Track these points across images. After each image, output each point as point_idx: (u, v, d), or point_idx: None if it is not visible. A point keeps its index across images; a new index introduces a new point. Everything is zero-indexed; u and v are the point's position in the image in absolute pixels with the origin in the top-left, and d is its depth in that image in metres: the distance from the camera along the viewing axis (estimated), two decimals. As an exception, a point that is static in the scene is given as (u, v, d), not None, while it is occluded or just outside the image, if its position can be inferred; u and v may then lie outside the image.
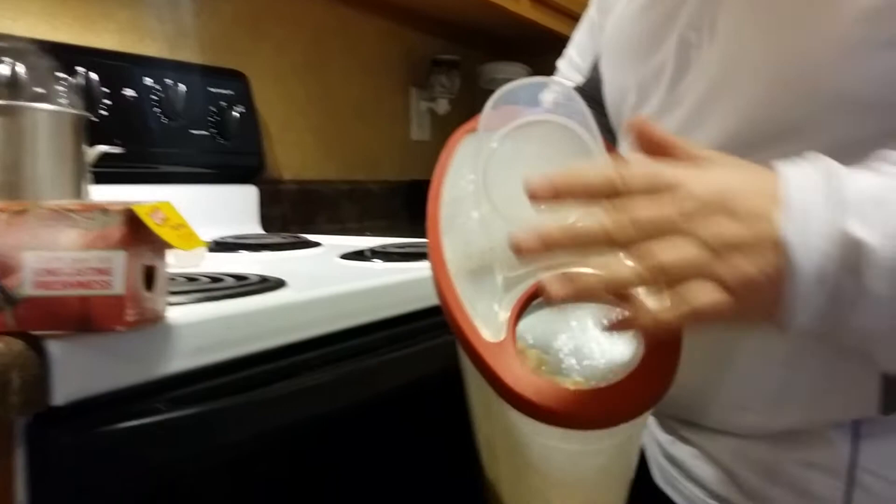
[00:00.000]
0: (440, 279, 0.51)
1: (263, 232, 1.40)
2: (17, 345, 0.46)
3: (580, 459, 0.51)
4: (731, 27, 0.59)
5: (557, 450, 0.50)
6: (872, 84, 0.51)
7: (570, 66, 0.89)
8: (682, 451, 0.68)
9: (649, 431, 0.74)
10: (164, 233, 0.49)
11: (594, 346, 0.49)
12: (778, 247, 0.41)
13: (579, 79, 0.85)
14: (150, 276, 0.51)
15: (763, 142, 0.55)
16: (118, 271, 0.47)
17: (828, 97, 0.53)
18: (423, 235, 1.22)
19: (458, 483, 0.89)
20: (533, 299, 0.49)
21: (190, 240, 0.52)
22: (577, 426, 0.45)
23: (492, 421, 0.55)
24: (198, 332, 0.57)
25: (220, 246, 1.12)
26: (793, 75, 0.54)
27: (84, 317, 0.47)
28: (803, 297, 0.41)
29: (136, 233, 0.48)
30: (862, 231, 0.40)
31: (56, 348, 0.47)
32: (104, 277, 0.47)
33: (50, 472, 0.47)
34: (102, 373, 0.49)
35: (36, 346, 0.46)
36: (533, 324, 0.50)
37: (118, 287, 0.47)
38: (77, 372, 0.48)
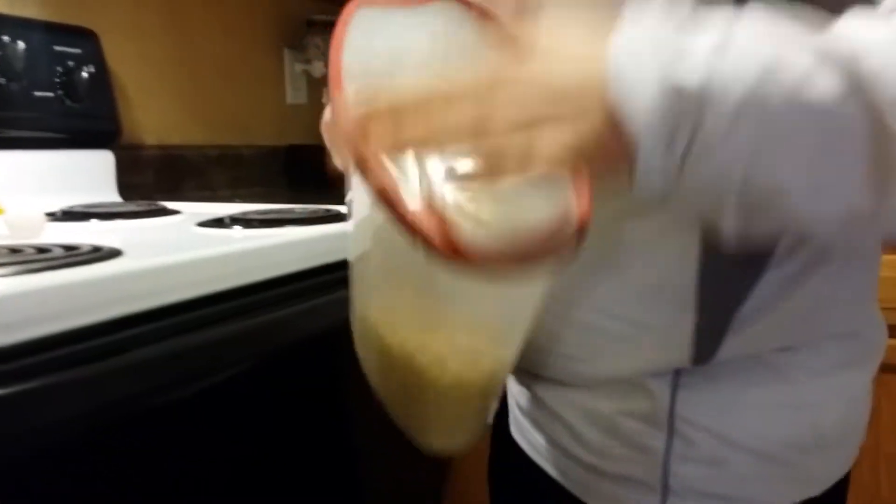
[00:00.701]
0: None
1: (121, 200, 1.32)
2: None
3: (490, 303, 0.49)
4: None
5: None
6: None
7: None
8: (530, 404, 0.69)
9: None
10: None
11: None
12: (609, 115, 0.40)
13: None
14: None
15: None
16: None
17: None
18: (302, 201, 1.17)
19: (318, 461, 0.87)
20: None
21: None
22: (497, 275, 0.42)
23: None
24: (11, 307, 0.52)
25: (68, 215, 1.04)
26: None
27: None
28: (643, 161, 0.41)
29: None
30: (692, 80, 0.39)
31: None
32: None
33: None
34: None
35: None
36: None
37: None
38: None
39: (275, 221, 0.95)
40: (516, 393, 0.71)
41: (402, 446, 0.56)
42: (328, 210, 1.02)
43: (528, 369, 0.66)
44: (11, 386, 0.50)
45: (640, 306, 0.58)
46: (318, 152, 0.71)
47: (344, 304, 0.55)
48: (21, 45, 1.17)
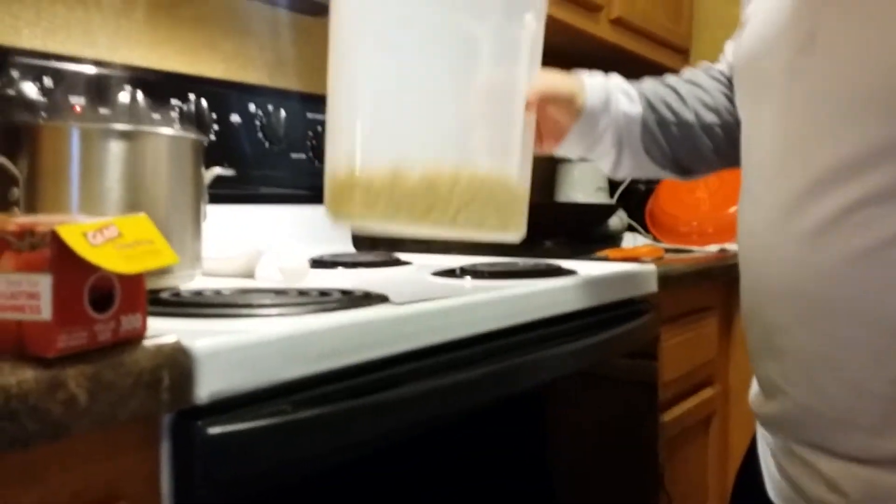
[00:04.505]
0: None
1: (355, 251, 1.46)
2: (167, 346, 0.51)
3: None
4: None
5: None
6: None
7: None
8: (803, 476, 0.70)
9: (765, 447, 0.76)
10: (96, 254, 0.47)
11: None
12: None
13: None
14: (105, 296, 0.49)
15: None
16: (45, 296, 0.45)
17: None
18: (507, 254, 1.26)
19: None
20: None
21: (148, 258, 0.50)
22: None
23: None
24: (318, 340, 0.62)
25: (317, 263, 1.18)
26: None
27: (20, 341, 0.46)
28: None
29: (69, 254, 0.46)
30: None
31: (201, 351, 0.52)
32: (34, 302, 0.46)
33: (193, 463, 0.52)
34: (237, 374, 0.55)
35: (183, 347, 0.52)
36: None
37: (46, 313, 0.45)
38: (217, 373, 0.53)
39: (500, 273, 1.03)
40: (782, 462, 0.73)
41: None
42: (549, 265, 1.09)
43: (817, 442, 0.68)
44: (321, 408, 0.60)
45: None
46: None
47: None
48: (282, 112, 1.34)
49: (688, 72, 0.98)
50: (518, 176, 0.86)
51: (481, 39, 0.84)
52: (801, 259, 0.67)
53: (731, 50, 0.94)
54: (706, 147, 0.92)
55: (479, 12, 0.85)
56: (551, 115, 0.89)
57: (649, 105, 0.92)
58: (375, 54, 0.79)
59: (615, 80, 0.94)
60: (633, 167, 0.95)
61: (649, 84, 0.95)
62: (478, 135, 0.84)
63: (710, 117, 0.92)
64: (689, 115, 0.92)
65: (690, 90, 0.94)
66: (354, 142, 0.77)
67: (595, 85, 0.91)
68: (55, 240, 0.46)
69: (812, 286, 0.66)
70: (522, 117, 0.86)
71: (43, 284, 0.46)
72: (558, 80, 0.89)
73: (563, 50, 2.10)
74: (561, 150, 0.95)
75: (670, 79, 0.96)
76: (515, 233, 0.87)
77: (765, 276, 0.72)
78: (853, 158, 0.63)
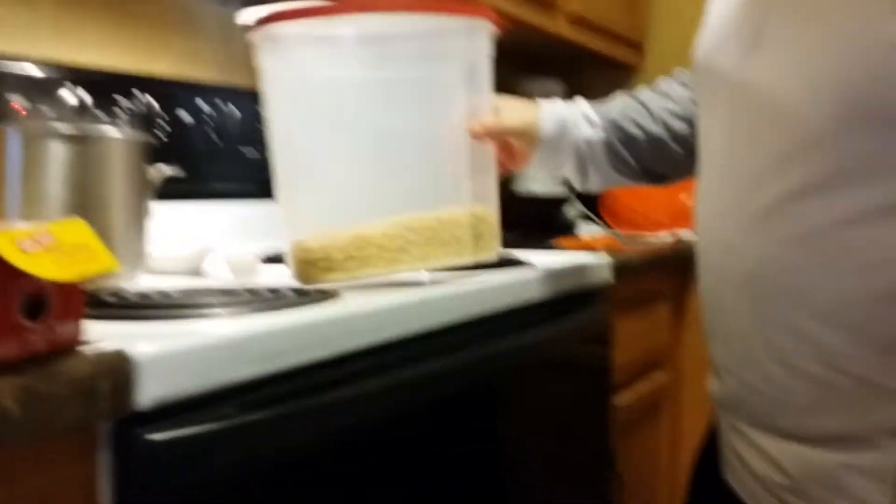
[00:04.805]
0: None
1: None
2: (106, 354, 0.50)
3: None
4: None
5: None
6: None
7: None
8: (750, 454, 0.73)
9: (721, 427, 0.78)
10: (28, 261, 0.45)
11: None
12: None
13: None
14: (38, 304, 0.48)
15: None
16: None
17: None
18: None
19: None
20: None
21: (84, 264, 0.48)
22: None
23: None
24: (264, 340, 0.61)
25: (271, 260, 1.16)
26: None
27: None
28: None
29: None
30: None
31: (142, 357, 0.51)
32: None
33: (133, 472, 0.52)
34: (180, 379, 0.54)
35: (123, 354, 0.51)
36: None
37: None
38: (159, 378, 0.52)
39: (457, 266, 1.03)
40: (735, 441, 0.75)
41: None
42: (503, 257, 1.10)
43: (759, 420, 0.71)
44: (266, 410, 0.60)
45: (878, 366, 0.61)
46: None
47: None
48: (233, 109, 1.33)
49: (662, 82, 1.00)
50: (474, 200, 0.87)
51: (406, 85, 0.86)
52: (746, 244, 0.70)
53: None
54: (678, 155, 0.95)
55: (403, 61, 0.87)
56: (513, 144, 0.94)
57: (615, 126, 0.95)
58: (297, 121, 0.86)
59: (578, 107, 0.97)
60: (603, 182, 0.99)
61: (618, 103, 0.98)
62: (424, 175, 0.87)
63: (679, 126, 0.94)
64: (657, 129, 0.94)
65: (659, 103, 0.96)
66: (298, 218, 0.86)
67: (550, 115, 0.94)
68: None
69: (755, 270, 0.69)
70: (466, 149, 0.87)
71: None
72: (512, 115, 0.92)
73: (518, 47, 2.10)
74: (531, 169, 1.00)
75: (642, 93, 0.98)
76: (488, 254, 0.89)
77: (715, 261, 0.76)
78: (792, 149, 0.65)
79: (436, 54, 0.87)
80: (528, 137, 0.93)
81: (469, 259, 0.86)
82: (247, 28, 0.89)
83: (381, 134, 0.86)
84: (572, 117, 0.95)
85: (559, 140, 0.94)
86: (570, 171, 0.98)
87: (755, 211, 0.69)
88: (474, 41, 0.90)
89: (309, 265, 0.82)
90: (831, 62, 0.62)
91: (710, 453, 0.82)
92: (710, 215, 0.77)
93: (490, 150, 0.91)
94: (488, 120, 0.88)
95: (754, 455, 0.72)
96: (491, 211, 0.90)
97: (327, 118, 0.86)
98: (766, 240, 0.68)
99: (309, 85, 0.87)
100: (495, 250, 0.90)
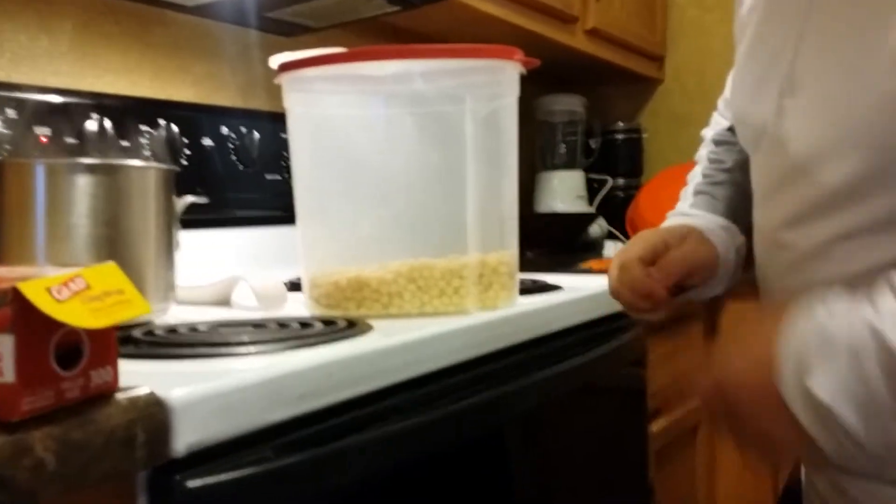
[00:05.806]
0: None
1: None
2: (141, 399, 0.49)
3: None
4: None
5: None
6: None
7: (725, 105, 0.94)
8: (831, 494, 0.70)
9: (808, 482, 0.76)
10: (62, 309, 0.44)
11: None
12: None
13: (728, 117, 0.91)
14: (73, 352, 0.47)
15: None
16: (7, 357, 0.43)
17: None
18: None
19: None
20: None
21: (117, 310, 0.47)
22: None
23: None
24: (299, 380, 0.59)
25: (296, 286, 1.15)
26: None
27: None
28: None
29: (32, 311, 0.43)
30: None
31: (177, 402, 0.49)
32: (-1, 364, 0.43)
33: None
34: (215, 422, 0.52)
35: (158, 399, 0.49)
36: None
37: (8, 375, 0.43)
38: (194, 423, 0.50)
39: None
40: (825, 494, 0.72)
41: None
42: (534, 282, 1.08)
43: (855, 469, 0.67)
44: (305, 452, 0.58)
45: None
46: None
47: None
48: (255, 134, 1.32)
49: (722, 131, 0.93)
50: (487, 249, 0.85)
51: (420, 127, 0.85)
52: (784, 287, 0.70)
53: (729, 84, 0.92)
54: None
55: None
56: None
57: (733, 216, 0.87)
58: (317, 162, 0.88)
59: (719, 222, 0.87)
60: None
61: (722, 191, 0.90)
62: (433, 221, 0.86)
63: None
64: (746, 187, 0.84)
65: (736, 159, 0.90)
66: (311, 253, 0.88)
67: (723, 249, 0.83)
68: (17, 297, 0.43)
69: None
70: (476, 198, 0.84)
71: (5, 345, 0.43)
72: (696, 261, 0.81)
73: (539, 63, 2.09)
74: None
75: (720, 159, 0.92)
76: (497, 306, 0.85)
77: (764, 289, 0.76)
78: (831, 195, 0.63)
79: (456, 97, 0.84)
80: (710, 273, 0.82)
81: (472, 310, 0.82)
82: (274, 71, 0.89)
83: (391, 177, 0.86)
84: (730, 238, 0.84)
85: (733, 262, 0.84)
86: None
87: (791, 253, 0.68)
88: (500, 83, 0.88)
89: (314, 301, 0.86)
90: (860, 112, 0.60)
91: (793, 494, 0.80)
92: (758, 248, 0.76)
93: (511, 195, 0.88)
94: (675, 269, 0.79)
95: (837, 499, 0.69)
96: (507, 260, 0.86)
97: (341, 159, 0.87)
98: (805, 281, 0.65)
99: (324, 126, 0.89)
100: (509, 302, 0.87)
